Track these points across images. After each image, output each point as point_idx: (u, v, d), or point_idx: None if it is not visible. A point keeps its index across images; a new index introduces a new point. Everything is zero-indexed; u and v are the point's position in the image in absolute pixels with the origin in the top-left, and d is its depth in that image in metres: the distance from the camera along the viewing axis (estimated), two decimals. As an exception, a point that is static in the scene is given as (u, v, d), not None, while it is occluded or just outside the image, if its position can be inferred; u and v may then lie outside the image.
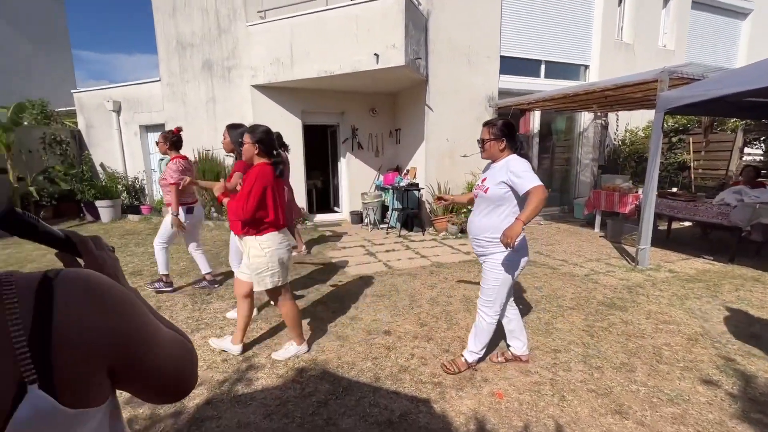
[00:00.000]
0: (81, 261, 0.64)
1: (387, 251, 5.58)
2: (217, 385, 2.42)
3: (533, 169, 2.30)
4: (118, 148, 8.83)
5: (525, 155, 2.35)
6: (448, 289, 4.00)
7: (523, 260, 2.37)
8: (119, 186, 8.41)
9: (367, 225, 7.29)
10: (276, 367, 2.60)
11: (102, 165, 9.00)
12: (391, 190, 7.24)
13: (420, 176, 7.16)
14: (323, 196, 9.15)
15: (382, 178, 7.97)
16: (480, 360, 2.63)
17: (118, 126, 8.73)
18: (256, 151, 2.47)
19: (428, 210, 7.05)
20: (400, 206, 7.02)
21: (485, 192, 2.34)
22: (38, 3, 12.47)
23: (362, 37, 5.85)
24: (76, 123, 9.39)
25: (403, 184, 6.94)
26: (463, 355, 2.58)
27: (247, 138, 2.48)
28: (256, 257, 2.49)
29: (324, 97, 7.42)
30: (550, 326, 3.18)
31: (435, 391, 2.36)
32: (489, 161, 2.50)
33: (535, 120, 7.93)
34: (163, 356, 0.59)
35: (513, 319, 2.61)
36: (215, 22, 7.09)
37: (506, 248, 2.09)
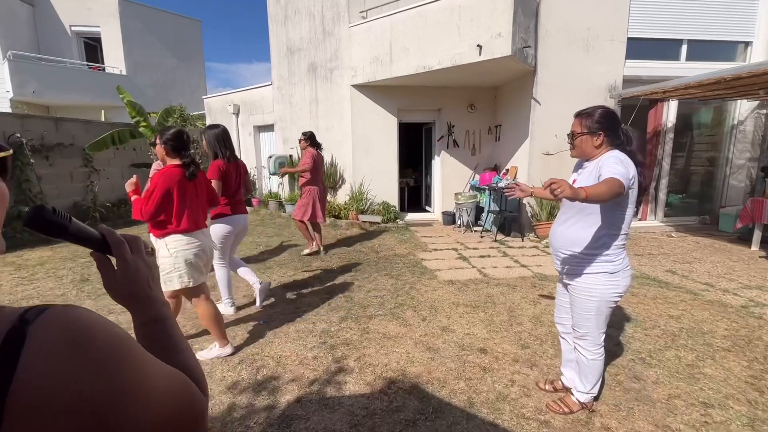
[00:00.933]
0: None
1: (481, 257, 5.20)
2: (307, 383, 2.42)
3: (640, 169, 1.80)
4: (236, 146, 9.92)
5: (630, 153, 1.85)
6: (554, 307, 3.50)
7: (624, 282, 1.91)
8: (235, 180, 9.45)
9: (459, 226, 6.95)
10: (364, 373, 2.52)
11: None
12: (487, 191, 6.78)
13: (521, 176, 6.55)
14: (415, 195, 9.04)
15: (478, 177, 7.52)
16: (595, 399, 2.19)
17: (236, 126, 9.81)
18: (164, 152, 2.55)
19: (529, 214, 6.42)
20: (497, 208, 6.52)
21: None
22: (182, 25, 14.76)
23: (465, 28, 5.52)
24: (205, 124, 10.83)
25: (501, 184, 6.42)
26: (572, 394, 2.17)
27: (158, 139, 2.57)
28: (163, 257, 2.47)
29: (421, 94, 7.26)
30: (696, 370, 2.53)
31: (541, 431, 2.01)
32: (580, 159, 2.02)
33: (669, 112, 6.65)
34: (152, 413, 0.46)
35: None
36: (321, 26, 7.43)
37: (549, 191, 1.56)
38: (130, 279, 0.60)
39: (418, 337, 2.97)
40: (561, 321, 2.28)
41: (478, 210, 7.18)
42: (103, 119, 9.38)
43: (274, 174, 8.36)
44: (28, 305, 0.42)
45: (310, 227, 5.20)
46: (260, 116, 9.33)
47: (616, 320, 3.22)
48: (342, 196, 7.65)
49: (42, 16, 12.20)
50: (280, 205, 8.32)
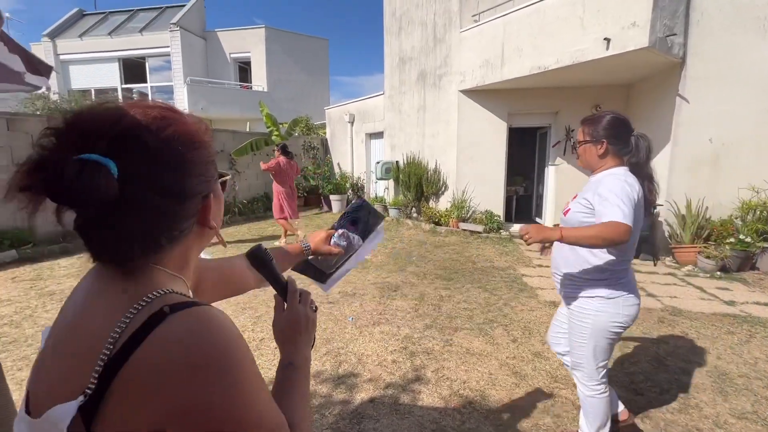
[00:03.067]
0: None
1: (596, 279, 4.53)
2: (383, 386, 2.45)
3: (647, 184, 1.63)
4: (349, 152, 10.70)
5: (637, 165, 1.65)
6: (687, 351, 2.84)
7: (627, 312, 1.64)
8: (347, 184, 10.18)
9: (573, 243, 6.19)
10: (440, 387, 2.43)
11: (339, 165, 11.13)
12: (611, 204, 5.89)
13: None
14: (524, 205, 8.40)
15: (600, 188, 6.61)
16: None
17: (350, 134, 10.57)
18: None
19: (666, 234, 5.35)
20: (623, 225, 5.61)
21: (565, 214, 1.76)
22: (312, 44, 16.63)
23: (589, 20, 4.92)
24: (325, 133, 11.95)
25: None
26: None
27: None
28: None
29: (535, 96, 6.73)
30: None
31: (646, 499, 1.65)
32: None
33: None
34: None
35: None
36: (432, 33, 7.51)
37: (523, 239, 1.50)
38: (290, 323, 0.70)
39: (504, 359, 2.74)
40: (552, 340, 2.08)
41: (599, 225, 6.31)
42: (247, 130, 11.13)
43: (380, 179, 8.77)
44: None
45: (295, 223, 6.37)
46: (371, 124, 9.87)
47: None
48: (444, 203, 7.57)
49: (211, 47, 15.15)
50: (385, 209, 8.64)
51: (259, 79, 15.21)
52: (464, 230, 6.82)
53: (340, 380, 2.51)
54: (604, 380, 1.74)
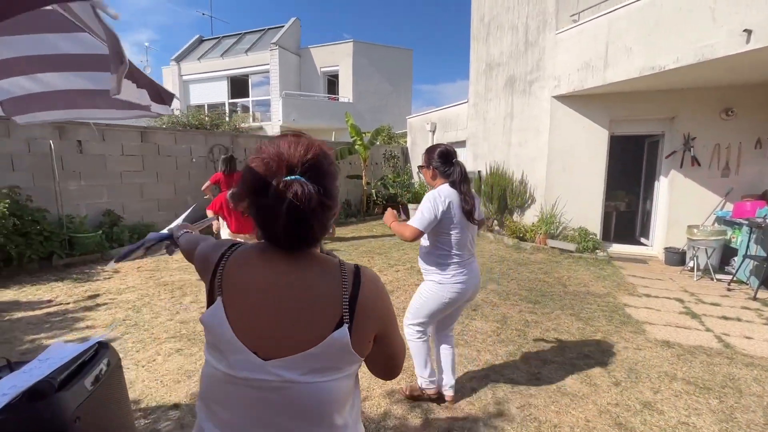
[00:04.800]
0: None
1: (724, 318, 3.76)
2: (461, 416, 2.28)
3: (462, 196, 2.12)
4: (430, 161, 10.60)
5: (453, 183, 2.14)
6: None
7: (450, 296, 2.15)
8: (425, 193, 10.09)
9: (691, 270, 5.27)
10: (527, 427, 2.18)
11: (418, 174, 11.10)
12: (746, 227, 4.89)
13: (815, 211, 4.43)
14: (626, 223, 7.43)
15: (730, 207, 5.55)
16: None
17: (432, 143, 10.47)
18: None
19: (827, 268, 4.25)
20: (764, 253, 4.61)
21: None
22: (396, 55, 16.96)
23: (723, 9, 4.17)
24: (406, 142, 12.04)
25: (772, 220, 4.51)
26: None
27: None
28: None
29: (644, 100, 5.93)
30: None
31: None
32: None
33: None
34: (397, 340, 0.87)
35: (447, 355, 2.38)
36: (523, 37, 7.09)
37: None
38: None
39: (604, 405, 2.37)
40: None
41: (728, 252, 5.29)
42: (332, 139, 11.71)
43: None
44: None
45: None
46: (454, 132, 9.67)
47: None
48: (529, 217, 7.05)
49: (304, 62, 16.34)
50: (464, 220, 8.35)
51: (346, 91, 15.96)
52: (553, 248, 6.25)
53: (415, 403, 2.40)
54: (421, 331, 2.28)
